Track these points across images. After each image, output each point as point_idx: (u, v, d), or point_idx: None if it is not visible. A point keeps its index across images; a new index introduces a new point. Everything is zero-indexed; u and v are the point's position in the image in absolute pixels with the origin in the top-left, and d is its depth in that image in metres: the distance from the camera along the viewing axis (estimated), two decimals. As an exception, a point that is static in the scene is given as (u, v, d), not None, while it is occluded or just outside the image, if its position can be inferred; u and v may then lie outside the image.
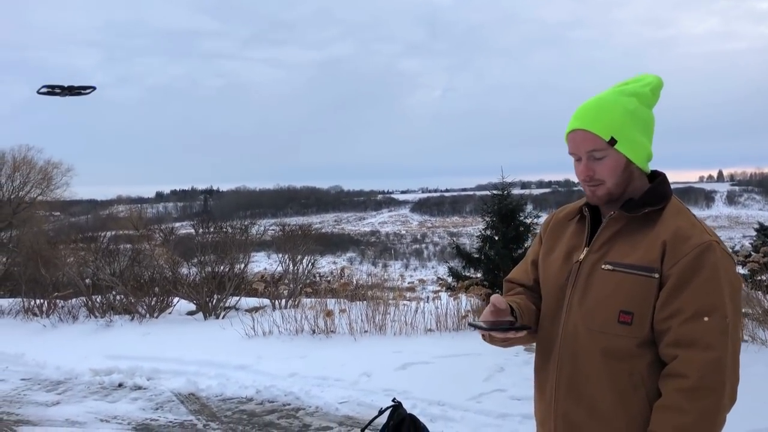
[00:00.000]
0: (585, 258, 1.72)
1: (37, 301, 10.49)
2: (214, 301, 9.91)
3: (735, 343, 1.57)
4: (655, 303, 1.59)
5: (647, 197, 1.68)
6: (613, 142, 1.65)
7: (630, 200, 1.69)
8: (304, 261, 10.20)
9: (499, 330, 1.67)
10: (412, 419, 3.26)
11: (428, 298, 10.10)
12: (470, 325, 1.78)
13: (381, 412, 3.26)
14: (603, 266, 1.67)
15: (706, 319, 1.54)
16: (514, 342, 1.77)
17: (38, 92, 7.93)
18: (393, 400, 3.32)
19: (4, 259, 12.93)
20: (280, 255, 10.35)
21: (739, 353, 1.59)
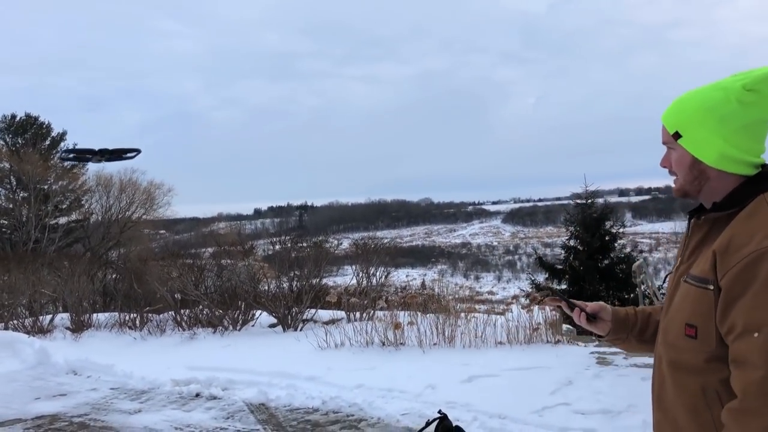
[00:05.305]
0: (677, 268, 1.67)
1: (131, 315, 11.14)
2: (293, 313, 10.20)
3: None
4: (715, 316, 1.49)
5: (723, 200, 1.56)
6: (677, 136, 1.60)
7: (713, 204, 1.58)
8: (378, 273, 10.34)
9: (558, 299, 1.94)
10: (458, 431, 3.28)
11: (503, 310, 9.95)
12: (547, 287, 1.94)
13: (428, 424, 3.30)
14: (683, 278, 1.61)
15: (755, 335, 1.40)
16: (617, 343, 1.94)
17: (61, 158, 7.54)
18: (439, 412, 3.36)
19: (101, 276, 13.80)
20: (354, 268, 10.55)
21: None
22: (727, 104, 1.52)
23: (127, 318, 11.17)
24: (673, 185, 1.68)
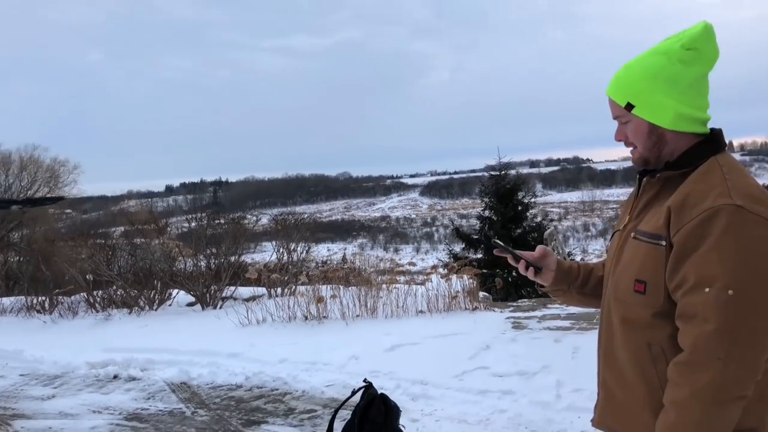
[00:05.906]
0: (625, 226, 1.70)
1: (39, 299, 10.66)
2: (212, 291, 10.04)
3: (748, 318, 1.41)
4: (665, 272, 1.52)
5: (676, 160, 1.60)
6: (629, 107, 1.62)
7: (666, 164, 1.63)
8: (298, 249, 10.31)
9: (504, 252, 1.91)
10: (383, 398, 3.35)
11: (423, 280, 10.14)
12: (493, 242, 1.97)
13: (354, 393, 3.36)
14: (632, 234, 1.64)
15: (706, 290, 1.43)
16: (557, 294, 1.97)
17: None
18: (364, 381, 3.42)
19: (2, 258, 13.09)
20: (274, 244, 10.48)
21: (759, 331, 1.42)
22: (671, 66, 1.58)
23: (35, 301, 10.68)
24: (631, 156, 1.70)
